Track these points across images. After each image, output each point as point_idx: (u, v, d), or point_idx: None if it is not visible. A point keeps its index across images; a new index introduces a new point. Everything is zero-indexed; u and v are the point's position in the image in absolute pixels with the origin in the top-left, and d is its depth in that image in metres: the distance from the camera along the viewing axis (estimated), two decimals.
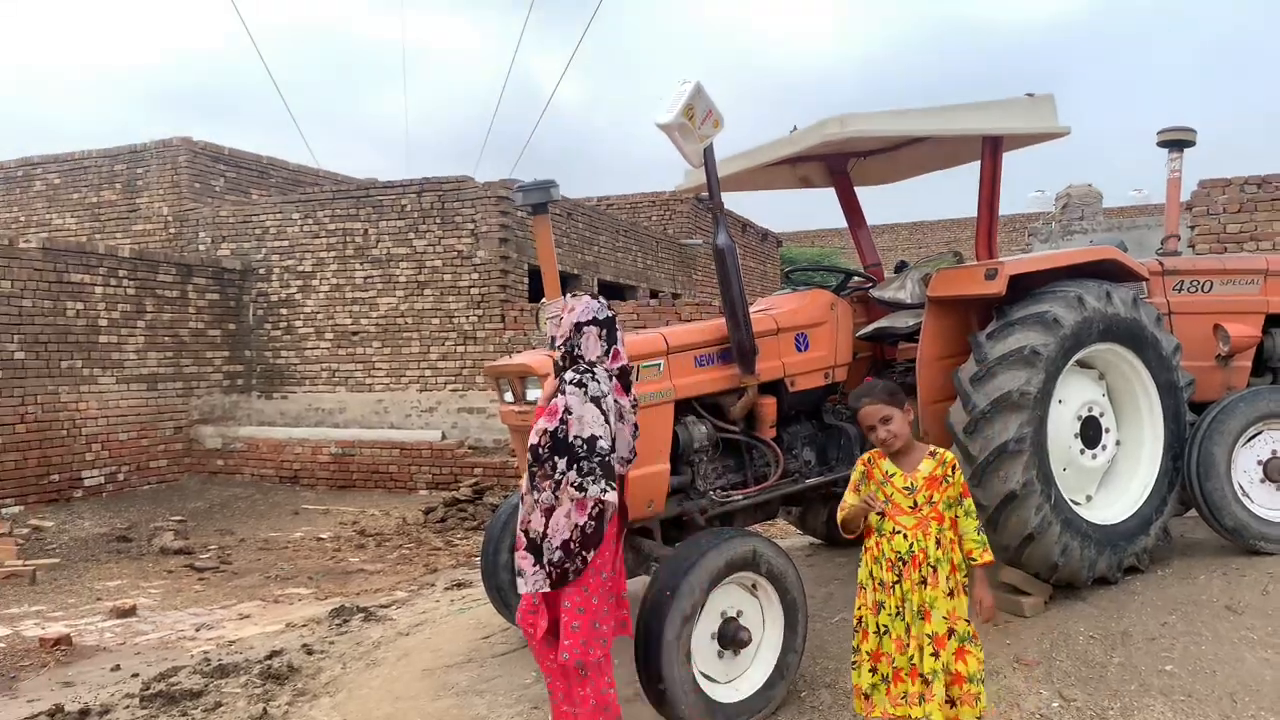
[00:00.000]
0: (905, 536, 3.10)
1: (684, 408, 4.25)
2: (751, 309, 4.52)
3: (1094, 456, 4.68)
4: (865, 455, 3.27)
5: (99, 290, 11.74)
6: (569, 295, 3.66)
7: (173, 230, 14.57)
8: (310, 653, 5.18)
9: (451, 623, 5.51)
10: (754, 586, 3.76)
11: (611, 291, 15.62)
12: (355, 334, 13.18)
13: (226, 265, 13.68)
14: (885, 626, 3.12)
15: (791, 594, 3.79)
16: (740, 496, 4.37)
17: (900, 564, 3.10)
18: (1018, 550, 4.36)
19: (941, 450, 3.19)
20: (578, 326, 3.40)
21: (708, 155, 4.11)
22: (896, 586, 3.10)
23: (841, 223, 6.07)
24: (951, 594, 3.06)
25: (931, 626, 3.04)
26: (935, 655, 3.02)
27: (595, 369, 3.33)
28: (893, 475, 3.16)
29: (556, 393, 3.32)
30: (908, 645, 3.07)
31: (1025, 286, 4.57)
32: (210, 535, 9.89)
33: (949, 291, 4.72)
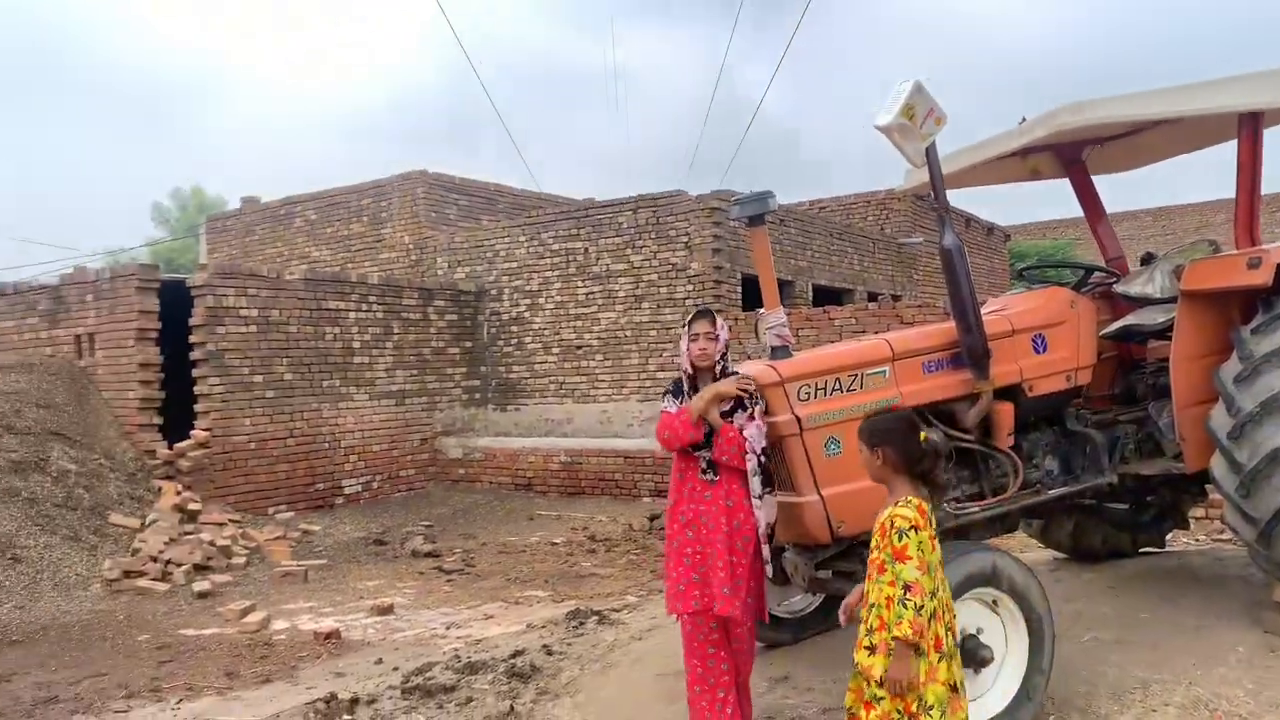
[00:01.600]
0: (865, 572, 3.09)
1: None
2: (983, 310, 4.35)
3: None
4: None
5: (352, 315, 12.84)
6: (713, 311, 3.98)
7: (414, 257, 15.71)
8: (550, 653, 5.42)
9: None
10: (994, 603, 3.61)
11: (827, 296, 15.40)
12: (579, 348, 13.70)
13: (462, 287, 14.60)
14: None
15: (1036, 611, 3.61)
16: (976, 508, 4.19)
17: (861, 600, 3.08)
18: None
19: (903, 505, 2.97)
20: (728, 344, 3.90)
21: (930, 154, 4.00)
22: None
23: (1075, 212, 5.74)
24: (872, 650, 2.93)
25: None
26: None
27: None
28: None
29: (752, 398, 3.79)
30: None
31: None
32: (455, 539, 10.56)
33: (1205, 284, 4.36)
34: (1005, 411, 4.27)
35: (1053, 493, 4.39)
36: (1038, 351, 4.41)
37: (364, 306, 13.02)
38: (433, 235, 15.54)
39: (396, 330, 13.46)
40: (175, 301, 11.04)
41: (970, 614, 3.56)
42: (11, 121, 65.19)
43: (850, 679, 3.05)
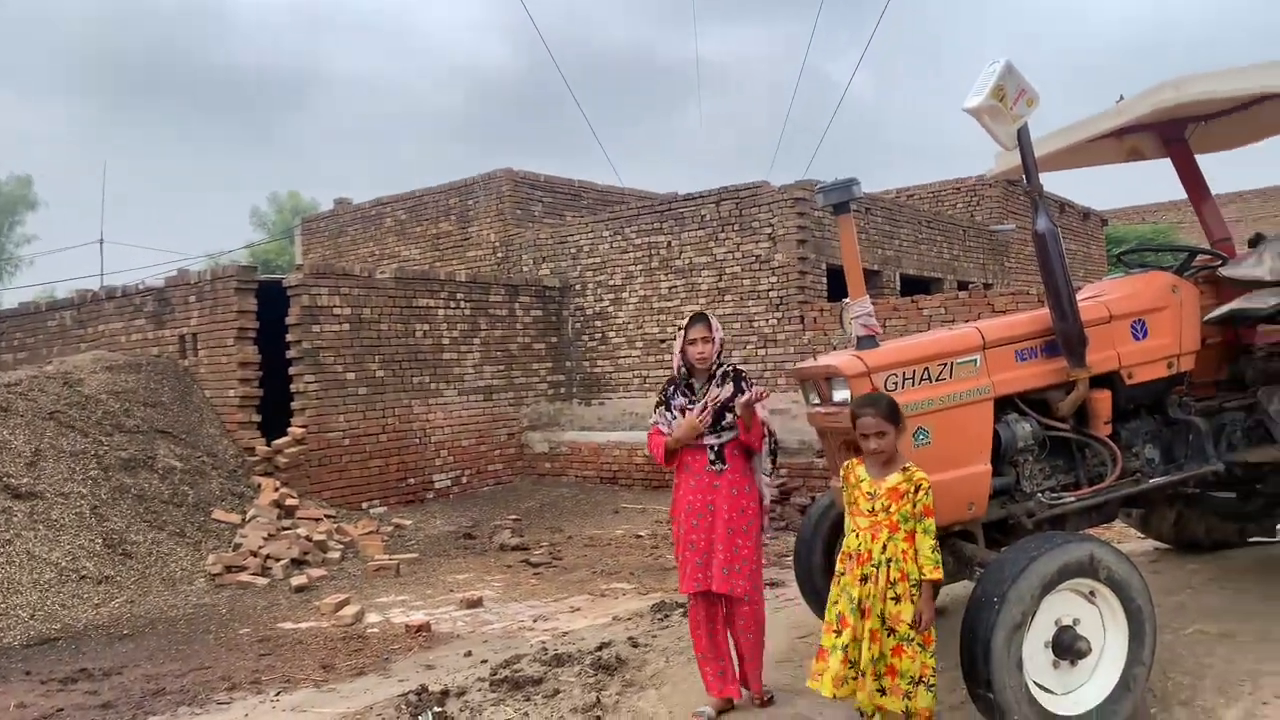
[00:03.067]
0: (857, 536, 3.49)
1: (1005, 405, 4.04)
2: (1079, 296, 4.21)
3: None
4: (848, 460, 3.63)
5: (441, 312, 13.08)
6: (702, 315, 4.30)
7: (500, 254, 15.93)
8: (636, 645, 5.44)
9: (767, 622, 5.57)
10: (1092, 594, 3.51)
11: (915, 286, 15.11)
12: (663, 342, 13.70)
13: (547, 283, 14.74)
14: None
15: (1136, 602, 3.49)
16: (1072, 498, 4.08)
17: (849, 559, 3.49)
18: None
19: (914, 469, 3.45)
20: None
21: (1022, 136, 3.90)
22: (841, 578, 3.49)
23: (1175, 195, 5.54)
24: (898, 599, 3.37)
25: (870, 623, 3.39)
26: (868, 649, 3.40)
27: None
28: (862, 481, 3.51)
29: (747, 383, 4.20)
30: (838, 633, 3.43)
31: None
32: (542, 533, 10.67)
33: None
34: (1102, 399, 4.15)
35: (1153, 482, 4.24)
36: (1137, 338, 4.27)
37: (452, 304, 13.25)
38: (518, 232, 15.73)
39: (484, 326, 13.68)
40: (272, 302, 11.41)
41: (1066, 605, 3.48)
42: (117, 132, 68.33)
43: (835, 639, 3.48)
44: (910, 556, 3.38)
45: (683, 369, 4.30)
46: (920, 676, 3.36)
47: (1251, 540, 5.63)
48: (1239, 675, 3.74)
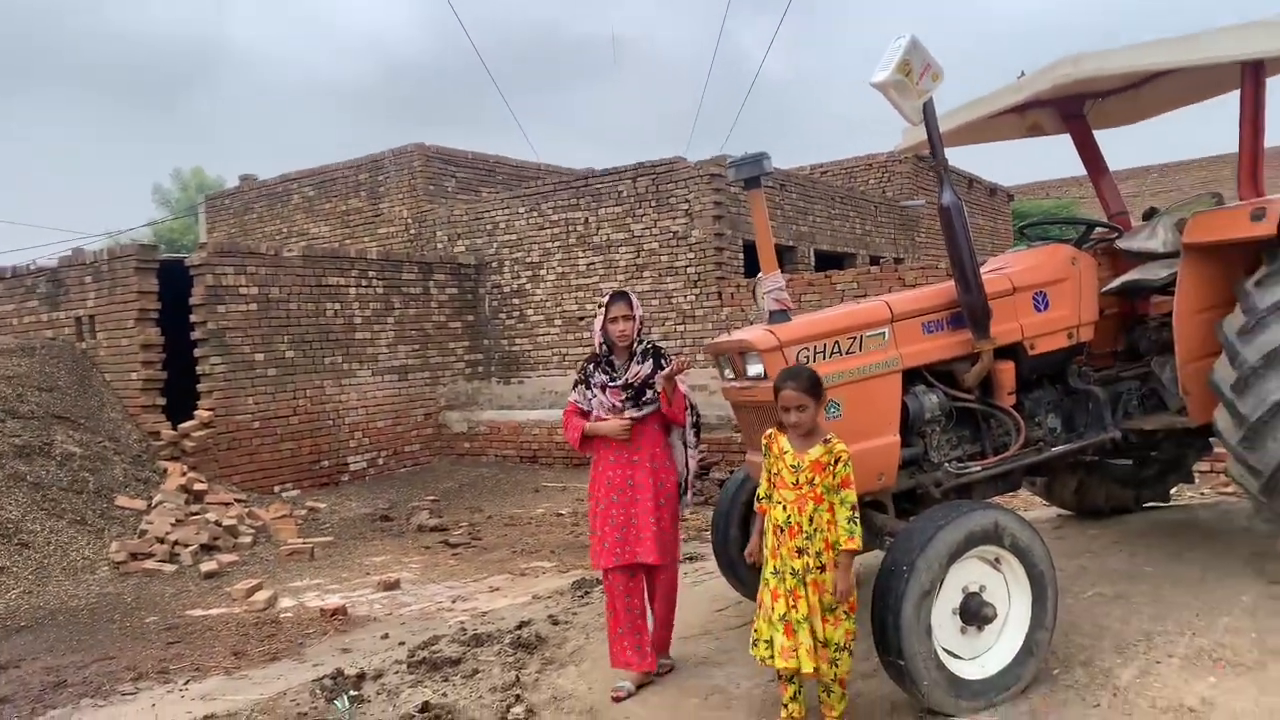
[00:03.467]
0: (784, 509, 3.50)
1: (913, 377, 4.11)
2: (983, 269, 4.30)
3: None
4: (769, 430, 3.62)
5: (352, 291, 12.79)
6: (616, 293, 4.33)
7: (413, 231, 15.64)
8: (556, 623, 5.43)
9: (686, 596, 5.58)
10: (997, 560, 3.61)
11: (829, 261, 15.33)
12: (581, 319, 13.65)
13: (462, 261, 14.53)
14: (766, 581, 3.53)
15: (1039, 568, 3.60)
16: (978, 468, 4.18)
17: (779, 531, 3.50)
18: None
19: (835, 441, 3.48)
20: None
21: (927, 111, 3.94)
22: (777, 550, 3.49)
23: (1078, 170, 5.68)
24: (823, 569, 3.42)
25: (813, 596, 3.43)
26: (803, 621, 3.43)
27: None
28: (786, 453, 3.52)
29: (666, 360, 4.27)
30: (794, 607, 3.42)
31: None
32: (461, 513, 10.57)
33: (1209, 236, 4.30)
34: (1006, 370, 4.25)
35: (1055, 450, 4.37)
36: (1039, 309, 4.37)
37: (364, 282, 12.97)
38: (431, 209, 15.46)
39: (397, 305, 13.42)
40: (175, 281, 11.01)
41: (973, 572, 3.56)
42: (9, 106, 65.02)
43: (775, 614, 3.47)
44: (834, 526, 3.44)
45: (603, 346, 4.33)
46: (846, 644, 3.45)
47: (1146, 505, 5.87)
48: (1135, 635, 3.90)
